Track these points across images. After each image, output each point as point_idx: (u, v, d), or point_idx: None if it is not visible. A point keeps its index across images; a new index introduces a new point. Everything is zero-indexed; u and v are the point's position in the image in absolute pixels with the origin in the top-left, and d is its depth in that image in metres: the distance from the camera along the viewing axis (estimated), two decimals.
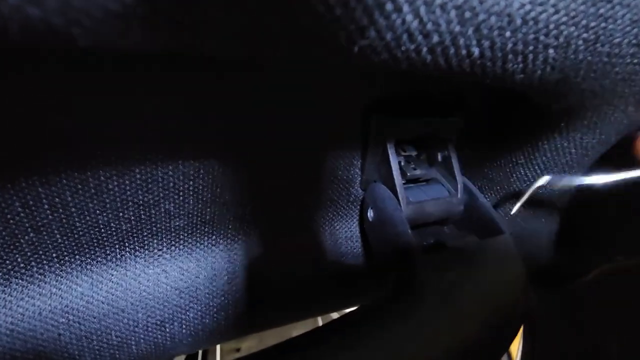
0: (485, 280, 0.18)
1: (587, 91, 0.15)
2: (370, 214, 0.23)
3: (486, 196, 0.26)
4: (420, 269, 0.18)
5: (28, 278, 0.19)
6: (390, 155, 0.22)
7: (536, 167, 0.22)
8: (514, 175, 0.24)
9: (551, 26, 0.11)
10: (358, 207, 0.25)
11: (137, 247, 0.21)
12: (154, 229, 0.21)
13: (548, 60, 0.12)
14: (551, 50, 0.12)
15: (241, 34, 0.10)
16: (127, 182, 0.18)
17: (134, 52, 0.11)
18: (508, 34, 0.11)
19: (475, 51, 0.11)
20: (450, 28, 0.10)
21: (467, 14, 0.10)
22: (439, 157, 0.23)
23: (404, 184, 0.23)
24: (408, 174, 0.23)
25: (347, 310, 0.20)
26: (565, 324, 0.28)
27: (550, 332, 0.29)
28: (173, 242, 0.22)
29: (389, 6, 0.09)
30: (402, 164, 0.23)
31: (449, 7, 0.10)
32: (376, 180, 0.24)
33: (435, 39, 0.10)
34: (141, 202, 0.19)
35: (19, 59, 0.14)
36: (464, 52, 0.11)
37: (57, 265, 0.20)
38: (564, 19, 0.11)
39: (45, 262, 0.19)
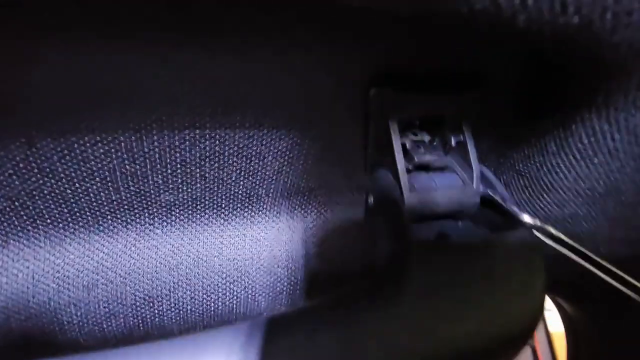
0: (486, 286, 0.15)
1: (622, 46, 0.11)
2: (370, 200, 0.21)
3: (512, 191, 0.23)
4: (411, 263, 0.16)
5: (24, 241, 0.20)
6: (392, 136, 0.19)
7: (571, 156, 0.19)
8: (545, 166, 0.20)
9: None
10: (360, 192, 0.23)
11: (128, 220, 0.21)
12: (144, 202, 0.21)
13: None
14: None
15: None
16: (112, 150, 0.18)
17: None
18: None
19: None
20: None
21: None
22: (453, 142, 0.21)
23: (411, 170, 0.20)
24: (416, 159, 0.20)
25: None
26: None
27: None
28: (164, 218, 0.21)
29: None
30: (410, 147, 0.21)
31: None
32: (380, 164, 0.21)
33: None
34: (128, 172, 0.19)
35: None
36: None
37: (52, 231, 0.20)
38: None
39: (40, 227, 0.20)
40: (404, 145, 0.20)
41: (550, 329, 0.86)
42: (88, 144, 0.18)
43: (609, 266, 0.20)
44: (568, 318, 0.38)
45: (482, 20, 0.10)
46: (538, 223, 0.18)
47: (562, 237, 0.19)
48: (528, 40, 0.12)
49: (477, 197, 0.20)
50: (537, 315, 0.15)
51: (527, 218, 0.18)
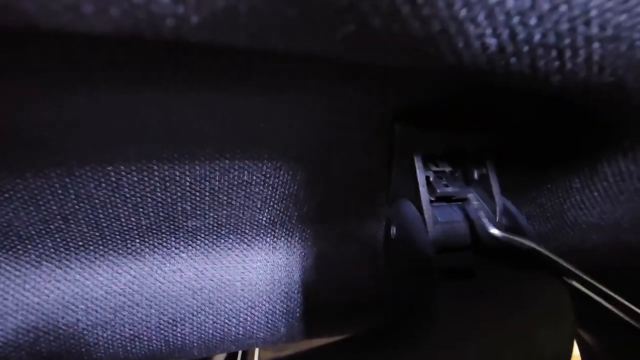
0: (517, 323, 0.15)
1: None
2: (392, 231, 0.21)
3: (534, 224, 0.23)
4: (437, 296, 0.16)
5: (56, 263, 0.21)
6: (417, 170, 0.20)
7: (595, 193, 0.19)
8: (568, 201, 0.20)
9: (593, 12, 0.09)
10: (383, 223, 0.23)
11: (155, 244, 0.22)
12: (172, 227, 0.21)
13: (592, 58, 0.10)
14: (596, 45, 0.10)
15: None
16: (146, 178, 0.19)
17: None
18: (532, 21, 0.09)
19: (492, 43, 0.09)
20: (453, 12, 0.08)
21: None
22: (476, 175, 0.21)
23: (433, 201, 0.21)
24: (438, 191, 0.21)
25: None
26: None
27: None
28: (190, 242, 0.22)
29: None
30: (432, 179, 0.21)
31: None
32: (403, 196, 0.22)
33: (436, 26, 0.09)
34: (159, 199, 0.20)
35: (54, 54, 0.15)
36: (476, 44, 0.09)
37: (83, 253, 0.21)
38: (611, 3, 0.09)
39: (72, 249, 0.21)
40: (426, 178, 0.20)
41: None
42: (123, 173, 0.18)
43: (626, 303, 0.20)
44: (587, 348, 0.37)
45: (516, 79, 0.10)
46: (558, 260, 0.18)
47: (585, 277, 0.19)
48: (557, 94, 0.12)
49: (499, 230, 0.20)
50: (569, 351, 0.15)
51: (550, 256, 0.18)
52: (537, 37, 0.09)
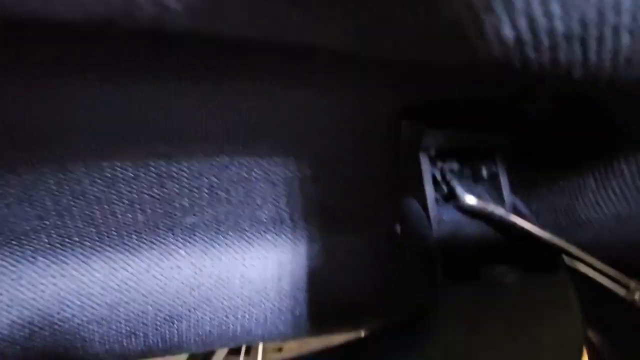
0: (524, 328, 0.15)
1: None
2: (397, 229, 0.20)
3: (543, 222, 0.22)
4: (442, 296, 0.15)
5: (52, 258, 0.20)
6: (423, 168, 0.19)
7: (610, 193, 0.18)
8: (582, 200, 0.19)
9: None
10: (387, 222, 0.23)
11: (153, 240, 0.21)
12: (170, 223, 0.21)
13: (620, 50, 0.09)
14: (625, 36, 0.09)
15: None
16: (142, 174, 0.18)
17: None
18: (556, 9, 0.08)
19: (509, 34, 0.08)
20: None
21: None
22: (485, 174, 0.20)
23: (439, 200, 0.20)
24: (445, 190, 0.20)
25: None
26: None
27: None
28: (188, 239, 0.21)
29: None
30: (439, 177, 0.20)
31: None
32: (408, 194, 0.21)
33: (448, 15, 0.08)
34: (156, 195, 0.19)
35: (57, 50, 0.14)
36: (492, 35, 0.08)
37: (79, 249, 0.20)
38: None
39: (68, 245, 0.20)
40: (433, 176, 0.20)
41: None
42: (119, 169, 0.18)
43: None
44: (595, 349, 0.37)
45: (534, 74, 0.10)
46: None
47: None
48: (576, 87, 0.11)
49: (507, 230, 0.20)
50: (579, 354, 0.15)
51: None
52: (559, 27, 0.08)
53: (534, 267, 0.18)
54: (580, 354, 0.16)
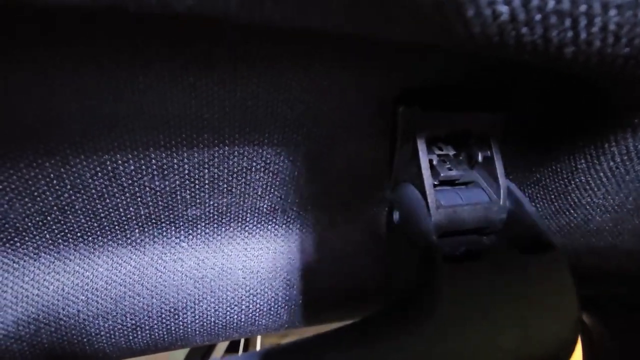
0: (519, 308, 0.15)
1: None
2: (395, 216, 0.21)
3: (537, 206, 0.22)
4: (441, 278, 0.16)
5: (55, 254, 0.20)
6: (420, 153, 0.19)
7: (601, 174, 0.19)
8: (573, 182, 0.20)
9: None
10: (386, 208, 0.23)
11: (155, 234, 0.21)
12: (172, 216, 0.21)
13: (609, 27, 0.10)
14: (613, 12, 0.09)
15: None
16: (143, 167, 0.19)
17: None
18: None
19: (503, 11, 0.09)
20: None
21: None
22: (480, 157, 0.21)
23: (437, 185, 0.20)
24: (442, 175, 0.20)
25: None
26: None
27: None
28: (190, 231, 0.22)
29: None
30: (436, 163, 0.21)
31: None
32: (406, 180, 0.21)
33: None
34: (158, 188, 0.19)
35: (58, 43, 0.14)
36: (487, 12, 0.09)
37: (82, 244, 0.21)
38: None
39: (71, 240, 0.20)
40: (430, 161, 0.20)
41: None
42: (120, 161, 0.18)
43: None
44: (586, 330, 0.38)
45: (527, 52, 0.10)
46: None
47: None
48: (567, 67, 0.11)
49: (503, 214, 0.20)
50: (574, 338, 0.15)
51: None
52: (550, 3, 0.09)
53: (530, 248, 0.18)
54: (576, 333, 0.16)
